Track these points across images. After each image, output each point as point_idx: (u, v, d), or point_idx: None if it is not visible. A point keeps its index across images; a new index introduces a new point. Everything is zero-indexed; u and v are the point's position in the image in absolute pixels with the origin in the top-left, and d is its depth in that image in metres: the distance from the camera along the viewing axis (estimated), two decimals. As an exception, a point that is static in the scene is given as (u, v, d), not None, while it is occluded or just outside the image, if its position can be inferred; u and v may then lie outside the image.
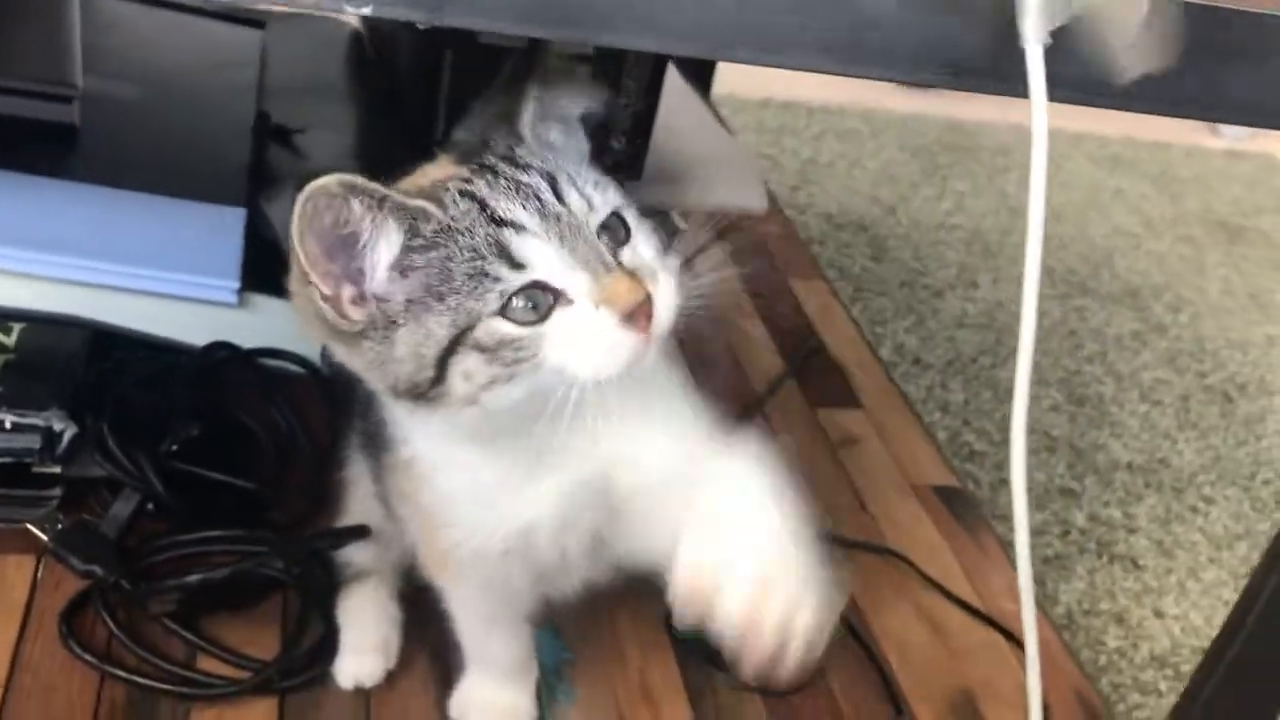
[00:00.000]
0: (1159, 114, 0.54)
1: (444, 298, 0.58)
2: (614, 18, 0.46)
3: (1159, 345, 1.97)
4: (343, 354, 0.63)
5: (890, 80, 0.50)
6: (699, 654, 0.92)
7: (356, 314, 0.59)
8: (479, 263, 0.58)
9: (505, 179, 0.60)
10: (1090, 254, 2.22)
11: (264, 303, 1.03)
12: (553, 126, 0.65)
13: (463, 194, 0.60)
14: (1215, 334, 2.05)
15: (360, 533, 0.87)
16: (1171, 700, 1.27)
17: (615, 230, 0.62)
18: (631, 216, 0.63)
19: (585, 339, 0.59)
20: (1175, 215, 2.45)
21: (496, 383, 0.59)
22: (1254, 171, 2.71)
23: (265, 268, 1.04)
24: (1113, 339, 1.96)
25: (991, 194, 2.35)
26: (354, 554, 0.89)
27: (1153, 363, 1.92)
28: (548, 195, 0.60)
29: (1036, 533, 1.51)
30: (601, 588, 0.80)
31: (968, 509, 1.17)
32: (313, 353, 1.03)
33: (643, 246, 0.63)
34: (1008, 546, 1.45)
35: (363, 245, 0.58)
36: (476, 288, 0.58)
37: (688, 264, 0.64)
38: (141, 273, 0.99)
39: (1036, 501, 1.56)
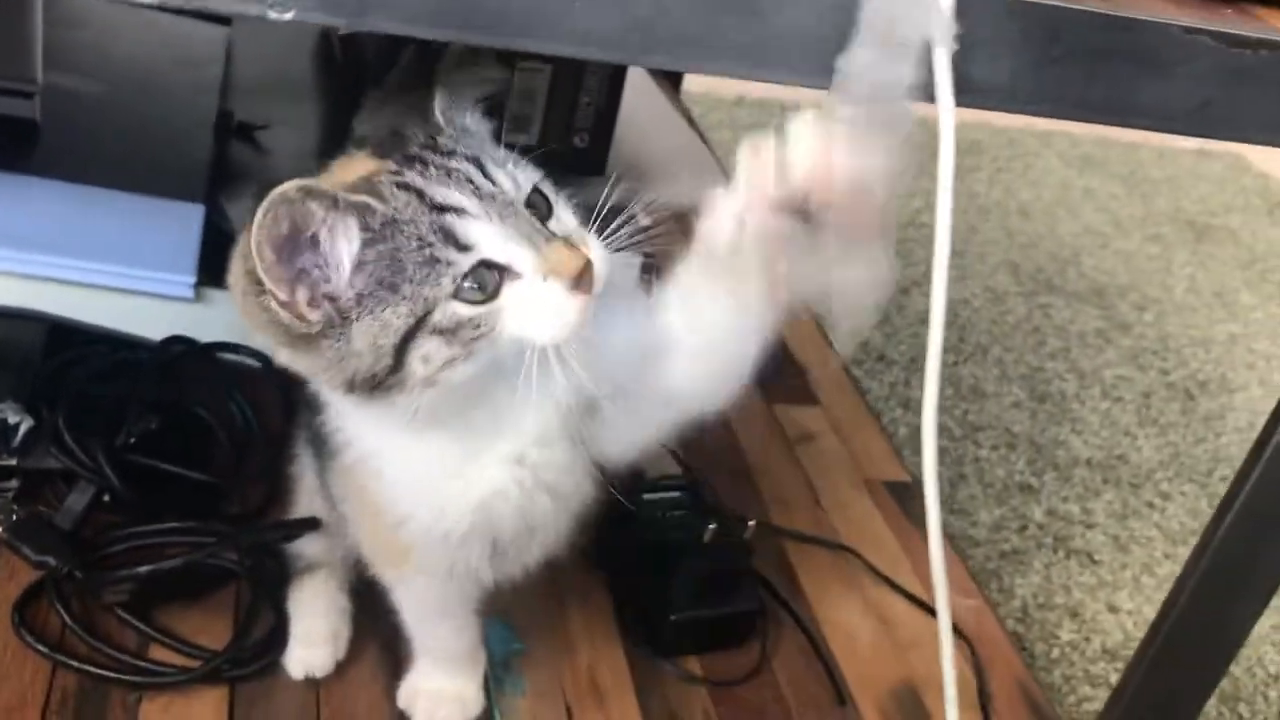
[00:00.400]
0: (1067, 119, 0.56)
1: (397, 288, 0.60)
2: (531, 24, 0.48)
3: (1123, 343, 2.00)
4: (293, 358, 0.63)
5: (798, 86, 0.52)
6: (648, 646, 0.94)
7: (313, 315, 0.60)
8: (427, 250, 0.60)
9: (435, 167, 0.62)
10: (1058, 252, 2.25)
11: (221, 297, 1.04)
12: (465, 113, 0.66)
13: (399, 186, 0.61)
14: (1179, 332, 2.07)
15: (311, 525, 0.88)
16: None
17: (539, 204, 0.64)
18: (549, 189, 0.65)
19: (539, 309, 0.61)
20: (1144, 214, 2.47)
21: (455, 361, 0.61)
22: (1223, 171, 2.74)
23: (223, 263, 1.05)
24: (1076, 336, 1.98)
25: (960, 193, 2.34)
26: (305, 546, 0.90)
27: (1116, 360, 1.94)
28: (479, 178, 0.62)
29: (994, 527, 1.53)
30: (550, 572, 0.81)
31: (919, 504, 1.18)
32: (269, 347, 1.04)
33: (565, 215, 0.65)
34: (958, 539, 1.48)
35: (322, 246, 0.59)
36: (429, 274, 0.60)
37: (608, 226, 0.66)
38: (100, 267, 1.00)
39: (996, 497, 1.58)
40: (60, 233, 1.01)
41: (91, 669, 0.82)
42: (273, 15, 0.47)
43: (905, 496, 1.19)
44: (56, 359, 0.97)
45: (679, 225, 0.76)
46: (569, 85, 1.36)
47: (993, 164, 2.51)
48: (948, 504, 1.54)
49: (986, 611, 1.08)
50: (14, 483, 0.91)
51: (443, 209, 0.61)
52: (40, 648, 0.83)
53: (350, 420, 0.70)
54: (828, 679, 0.96)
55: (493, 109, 0.67)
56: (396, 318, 0.60)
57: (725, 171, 1.65)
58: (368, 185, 0.61)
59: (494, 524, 0.71)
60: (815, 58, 0.50)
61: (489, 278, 0.61)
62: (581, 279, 0.61)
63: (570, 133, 1.39)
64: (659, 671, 0.93)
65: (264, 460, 0.99)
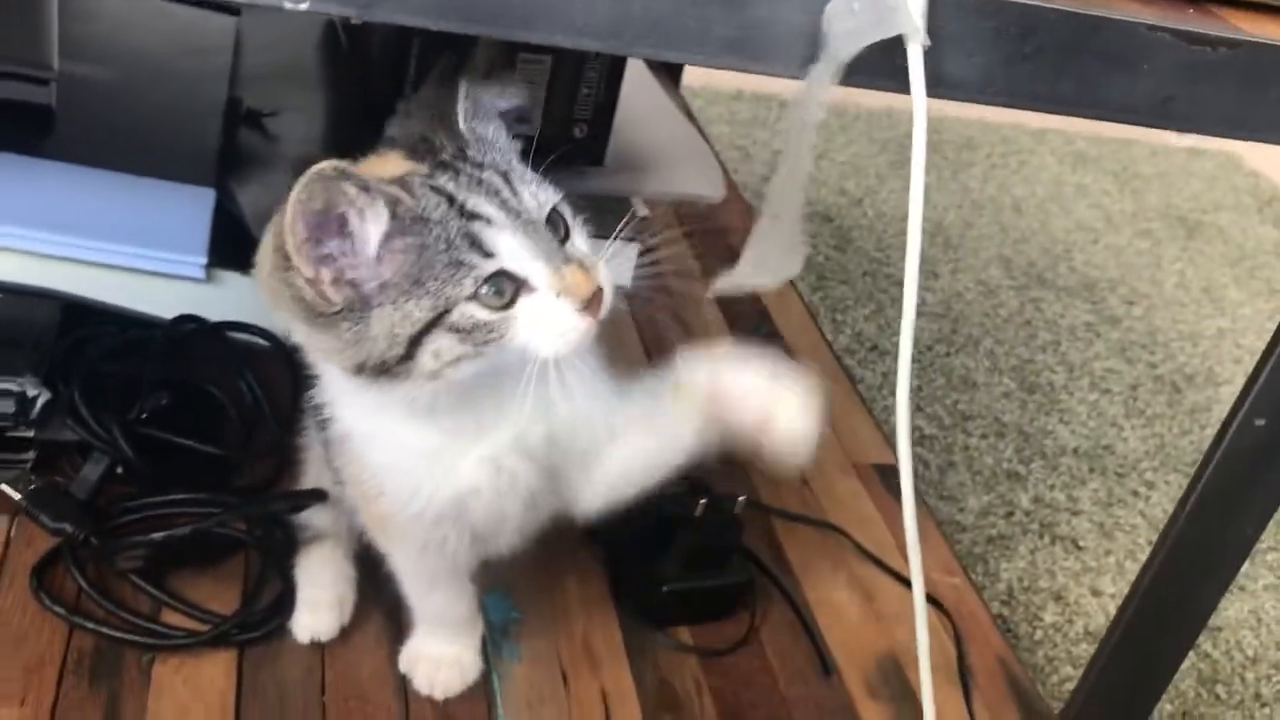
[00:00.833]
0: (1037, 111, 0.60)
1: (421, 283, 0.63)
2: (531, 16, 0.51)
3: (1111, 336, 2.03)
4: (310, 336, 0.67)
5: (782, 76, 0.55)
6: (640, 616, 0.98)
7: (336, 295, 0.63)
8: (454, 252, 0.63)
9: (466, 175, 0.66)
10: (1050, 247, 2.28)
11: (231, 278, 1.07)
12: (488, 123, 0.70)
13: (431, 188, 0.65)
14: (1167, 326, 2.11)
15: (317, 496, 0.92)
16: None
17: (557, 224, 0.68)
18: (567, 211, 0.69)
19: (548, 323, 0.65)
20: (1135, 211, 2.51)
21: (463, 359, 0.65)
22: (1214, 169, 2.77)
23: (232, 245, 1.08)
24: (1066, 329, 2.02)
25: (955, 188, 2.40)
26: (312, 517, 0.94)
27: (1104, 353, 1.98)
28: (506, 192, 0.66)
29: (982, 513, 1.57)
30: (545, 543, 0.85)
31: (905, 486, 1.22)
32: (277, 326, 1.07)
33: (580, 240, 0.69)
34: (945, 524, 1.51)
35: (351, 227, 0.62)
36: (453, 275, 0.63)
37: (646, 251, 0.71)
38: (114, 248, 1.03)
39: (984, 484, 1.62)
40: (75, 214, 1.04)
41: (107, 631, 0.86)
42: (289, 6, 0.50)
43: (893, 479, 1.22)
44: (72, 336, 1.00)
45: (675, 219, 0.81)
46: (569, 77, 1.39)
47: (987, 160, 2.54)
48: (937, 490, 1.58)
49: (968, 589, 1.12)
50: (31, 454, 0.95)
51: (472, 216, 0.64)
52: (58, 610, 0.86)
53: (338, 398, 0.74)
54: (813, 650, 1.00)
55: (521, 119, 0.71)
56: (418, 310, 0.64)
57: (722, 164, 1.68)
58: (401, 183, 0.65)
59: (464, 515, 0.76)
60: (801, 48, 0.54)
61: (506, 287, 0.64)
62: (591, 302, 0.65)
63: (570, 124, 1.41)
64: (651, 640, 0.97)
65: (271, 435, 1.03)
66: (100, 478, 0.94)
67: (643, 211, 1.44)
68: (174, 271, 1.05)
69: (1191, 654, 1.42)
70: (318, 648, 0.89)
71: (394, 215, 0.63)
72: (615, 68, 1.39)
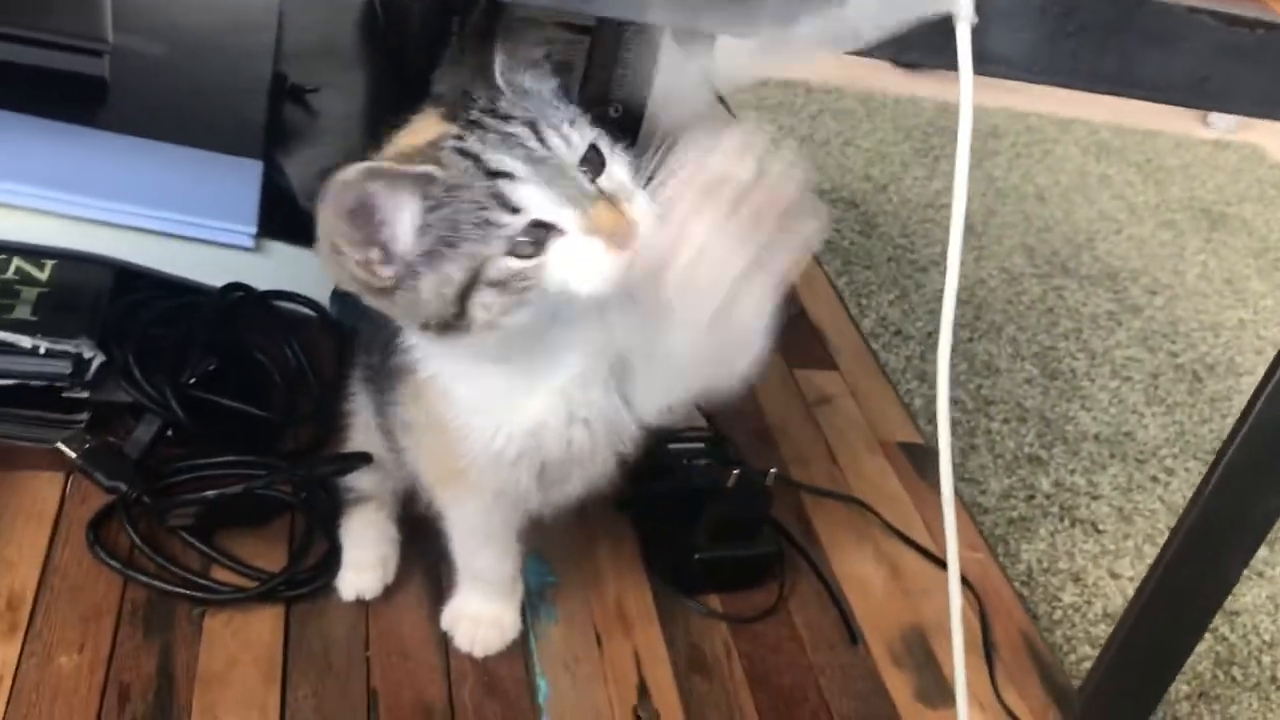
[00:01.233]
0: (1079, 89, 0.62)
1: (456, 245, 0.66)
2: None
3: (1133, 325, 2.05)
4: (379, 304, 0.71)
5: (838, 52, 0.57)
6: (672, 583, 1.00)
7: (386, 272, 0.67)
8: (482, 212, 0.66)
9: (492, 131, 0.68)
10: (1073, 236, 2.29)
11: (278, 248, 1.10)
12: (524, 73, 0.72)
13: (458, 151, 0.67)
14: (1189, 316, 2.12)
15: (363, 459, 0.95)
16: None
17: (593, 161, 0.69)
18: (605, 145, 0.70)
19: (580, 264, 0.67)
20: (1159, 201, 2.52)
21: (511, 310, 0.68)
22: (1239, 161, 2.78)
23: (280, 216, 1.11)
24: (1089, 318, 2.04)
25: (979, 176, 2.41)
26: (357, 480, 0.96)
27: (1126, 341, 2.00)
28: (532, 142, 0.68)
29: (1003, 496, 1.59)
30: (581, 513, 0.87)
31: (931, 465, 1.24)
32: (322, 296, 1.10)
33: (618, 170, 0.70)
34: (968, 506, 1.53)
35: (383, 218, 0.66)
36: (483, 234, 0.66)
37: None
38: (165, 216, 1.06)
39: (1005, 467, 1.64)
40: (129, 184, 1.07)
41: (159, 584, 0.89)
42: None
43: (918, 457, 1.24)
44: (125, 301, 1.03)
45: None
46: (605, 58, 1.41)
47: (1011, 149, 2.55)
48: (959, 472, 1.60)
49: (992, 565, 1.14)
50: (86, 414, 0.98)
51: (496, 174, 0.67)
52: (113, 564, 0.89)
53: (425, 346, 0.77)
54: (840, 620, 1.02)
55: (559, 67, 0.73)
56: (456, 272, 0.67)
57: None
58: (431, 152, 0.68)
59: (540, 450, 0.78)
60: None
61: (539, 234, 0.67)
62: (622, 237, 0.67)
63: (605, 104, 1.44)
64: (682, 606, 0.99)
65: (316, 401, 1.05)
66: (152, 438, 0.96)
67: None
68: (224, 240, 1.08)
69: (1209, 637, 1.45)
70: (361, 605, 0.92)
71: (426, 195, 0.66)
72: (650, 50, 1.42)
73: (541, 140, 0.68)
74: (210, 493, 0.92)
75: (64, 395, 0.96)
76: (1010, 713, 0.98)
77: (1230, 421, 1.86)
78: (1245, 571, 1.55)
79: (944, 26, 0.58)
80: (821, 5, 0.56)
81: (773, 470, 1.02)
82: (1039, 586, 1.46)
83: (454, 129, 0.69)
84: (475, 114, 0.69)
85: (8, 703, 0.79)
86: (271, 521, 0.96)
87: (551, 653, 0.93)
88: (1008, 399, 1.78)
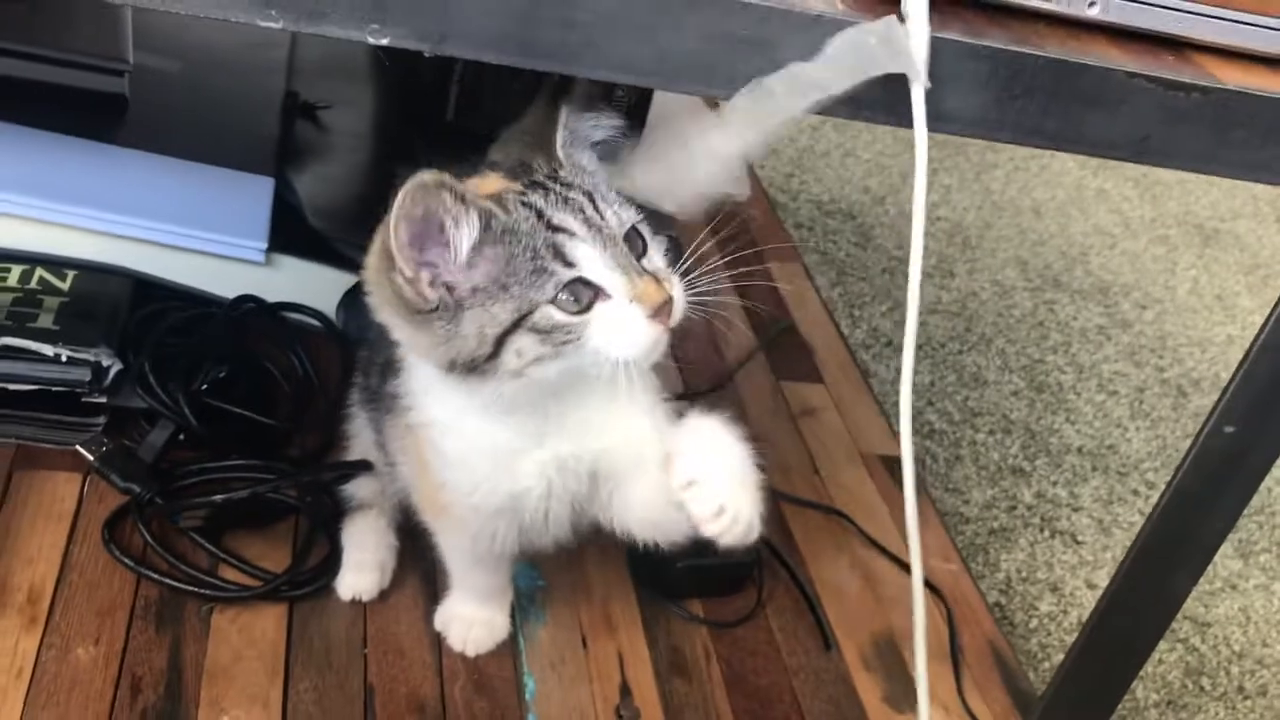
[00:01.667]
0: (1028, 145, 0.67)
1: (508, 287, 0.71)
2: (579, 54, 0.59)
3: (1122, 340, 2.09)
4: (409, 334, 0.75)
5: (807, 109, 0.62)
6: (655, 589, 1.06)
7: (431, 294, 0.71)
8: (539, 260, 0.71)
9: (555, 194, 0.74)
10: (1067, 250, 2.34)
11: (288, 262, 1.16)
12: (583, 151, 0.78)
13: (522, 203, 0.73)
14: (1178, 331, 2.17)
15: (364, 467, 1.00)
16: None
17: (634, 241, 0.75)
18: (646, 231, 0.77)
19: (621, 328, 0.72)
20: (1154, 217, 2.56)
21: (543, 360, 0.73)
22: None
23: (289, 232, 1.17)
24: (1078, 332, 2.08)
25: (976, 189, 2.46)
26: (358, 488, 1.02)
27: (1114, 356, 2.04)
28: (589, 210, 0.73)
29: (985, 506, 1.64)
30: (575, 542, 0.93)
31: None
32: (328, 308, 1.16)
33: (656, 256, 0.76)
34: (949, 516, 1.58)
35: (447, 233, 0.70)
36: (536, 280, 0.71)
37: (686, 273, 0.78)
38: (180, 231, 1.11)
39: (989, 478, 1.69)
40: (147, 198, 1.12)
41: (170, 582, 0.94)
42: (371, 40, 0.58)
43: (897, 469, 1.29)
44: (142, 311, 1.09)
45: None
46: (621, 118, 1.47)
47: (1010, 163, 2.60)
48: (943, 482, 1.65)
49: (964, 575, 1.19)
50: (103, 418, 1.03)
51: (557, 229, 0.72)
52: (126, 561, 0.95)
53: (427, 389, 0.81)
54: (815, 625, 1.08)
55: (607, 155, 0.79)
56: (503, 312, 0.71)
57: (749, 161, 1.75)
58: (497, 199, 0.73)
59: (516, 511, 0.83)
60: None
61: (584, 294, 0.72)
62: (661, 310, 0.72)
63: (615, 161, 1.49)
64: (665, 611, 1.05)
65: (322, 410, 1.11)
66: (165, 443, 1.02)
67: (670, 208, 1.52)
68: (236, 254, 1.13)
69: (1180, 647, 1.49)
70: (360, 606, 0.98)
71: (486, 227, 0.71)
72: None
73: (598, 211, 0.74)
74: (219, 496, 0.98)
75: (83, 400, 1.02)
76: (973, 716, 1.03)
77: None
78: (1218, 584, 1.61)
79: (900, 87, 0.63)
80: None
81: (753, 482, 1.07)
82: (1017, 595, 1.51)
83: (517, 185, 0.74)
84: (539, 177, 0.75)
85: (28, 691, 0.85)
86: (276, 524, 1.02)
87: (539, 653, 0.98)
88: (994, 411, 1.82)
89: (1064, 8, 0.66)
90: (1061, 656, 1.44)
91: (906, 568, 1.17)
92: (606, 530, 0.87)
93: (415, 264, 0.70)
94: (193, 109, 1.27)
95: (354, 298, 1.14)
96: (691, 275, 0.76)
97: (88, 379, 1.01)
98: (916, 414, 1.76)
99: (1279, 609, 1.59)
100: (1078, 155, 0.66)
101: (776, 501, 1.19)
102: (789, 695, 1.01)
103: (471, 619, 0.96)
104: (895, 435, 1.36)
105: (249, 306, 1.14)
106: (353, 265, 0.91)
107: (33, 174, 1.10)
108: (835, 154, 2.45)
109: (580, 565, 1.07)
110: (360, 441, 1.02)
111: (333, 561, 0.99)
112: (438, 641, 0.96)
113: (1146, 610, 0.94)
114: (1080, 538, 1.63)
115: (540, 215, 0.72)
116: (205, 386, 1.05)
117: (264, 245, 1.14)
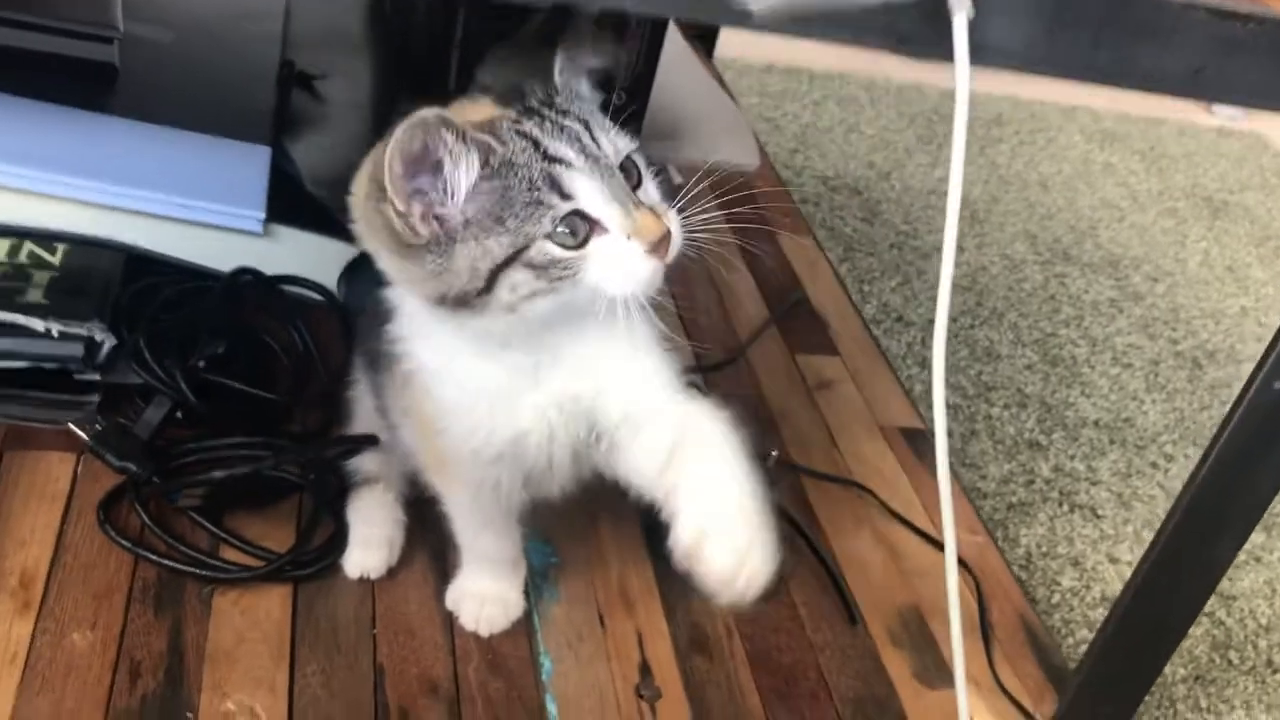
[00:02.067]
0: (1074, 79, 0.63)
1: (503, 221, 0.68)
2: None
3: (1134, 312, 2.06)
4: (398, 266, 0.72)
5: (839, 41, 0.58)
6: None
7: (423, 229, 0.68)
8: (535, 193, 0.68)
9: (550, 122, 0.70)
10: (1076, 224, 2.30)
11: (286, 233, 1.12)
12: (578, 77, 0.74)
13: (517, 133, 0.69)
14: (1190, 304, 2.13)
15: (370, 441, 0.96)
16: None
17: (630, 172, 0.72)
18: (641, 161, 0.73)
19: (619, 263, 0.70)
20: (1162, 189, 2.52)
21: (537, 295, 0.70)
22: (1243, 150, 2.78)
23: (287, 202, 1.13)
24: (1090, 305, 2.04)
25: (983, 163, 2.42)
26: (363, 462, 0.98)
27: (1127, 328, 2.01)
28: (586, 138, 0.70)
29: (1003, 480, 1.60)
30: (584, 492, 0.89)
31: (930, 449, 1.25)
32: (329, 280, 1.12)
33: (651, 188, 0.73)
34: (968, 490, 1.55)
35: (444, 169, 0.67)
36: (532, 214, 0.68)
37: (681, 210, 0.74)
38: (175, 201, 1.07)
39: (1005, 452, 1.65)
40: (139, 169, 1.08)
41: (169, 563, 0.91)
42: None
43: (918, 441, 1.26)
44: (136, 285, 1.05)
45: (709, 186, 0.85)
46: (617, 46, 1.42)
47: (1015, 137, 2.56)
48: (960, 457, 1.62)
49: (990, 548, 1.15)
50: (97, 396, 0.99)
51: (553, 159, 0.69)
52: (123, 543, 0.91)
53: (416, 332, 0.78)
54: (840, 601, 1.04)
55: (603, 82, 0.75)
56: (498, 246, 0.68)
57: (755, 133, 1.71)
58: (490, 127, 0.69)
59: (519, 458, 0.80)
60: (857, 16, 0.57)
61: (581, 227, 0.69)
62: (659, 245, 0.69)
63: (609, 91, 1.45)
64: (684, 586, 1.00)
65: (323, 384, 1.07)
66: (161, 420, 0.98)
67: (677, 179, 1.48)
68: (233, 225, 1.09)
69: (1205, 621, 1.46)
70: (367, 585, 0.94)
71: (484, 163, 0.68)
72: (654, 38, 1.43)
73: (595, 140, 0.70)
74: (218, 473, 0.94)
75: (76, 377, 0.98)
76: (1006, 693, 1.00)
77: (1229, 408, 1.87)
78: (1243, 557, 1.57)
79: (941, 18, 0.59)
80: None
81: (774, 453, 1.04)
82: (1038, 570, 1.47)
83: (511, 113, 0.71)
84: (533, 104, 0.72)
85: (21, 678, 0.81)
86: (279, 502, 0.98)
87: (555, 631, 0.94)
88: (1008, 385, 1.79)
89: (1115, -69, 0.62)
90: (1086, 632, 1.41)
91: (930, 540, 1.14)
92: (610, 481, 0.84)
93: (407, 197, 0.67)
94: (185, 78, 1.23)
95: (356, 270, 1.10)
96: (685, 214, 0.73)
97: (80, 355, 0.97)
98: (929, 389, 1.72)
99: (1304, 581, 1.56)
100: (1131, 91, 0.62)
101: (797, 475, 1.16)
102: (815, 672, 0.97)
103: (484, 596, 0.93)
104: (913, 408, 1.33)
105: (247, 279, 1.10)
106: (354, 236, 0.87)
107: (19, 143, 1.06)
108: (839, 129, 2.41)
109: (594, 538, 1.03)
110: (362, 408, 0.98)
111: (338, 540, 0.95)
112: (450, 621, 0.93)
113: (1186, 581, 0.90)
114: (1100, 511, 1.59)
115: (536, 145, 0.69)
116: (202, 362, 1.01)
117: (261, 214, 1.10)
